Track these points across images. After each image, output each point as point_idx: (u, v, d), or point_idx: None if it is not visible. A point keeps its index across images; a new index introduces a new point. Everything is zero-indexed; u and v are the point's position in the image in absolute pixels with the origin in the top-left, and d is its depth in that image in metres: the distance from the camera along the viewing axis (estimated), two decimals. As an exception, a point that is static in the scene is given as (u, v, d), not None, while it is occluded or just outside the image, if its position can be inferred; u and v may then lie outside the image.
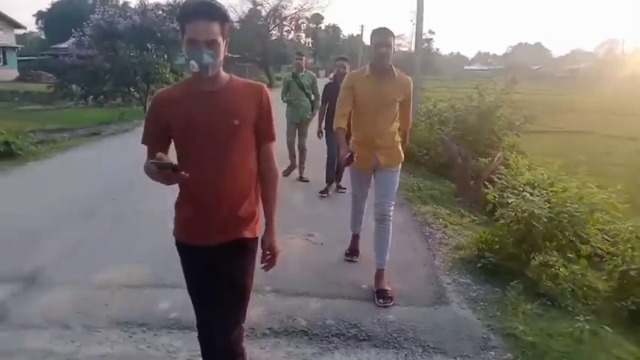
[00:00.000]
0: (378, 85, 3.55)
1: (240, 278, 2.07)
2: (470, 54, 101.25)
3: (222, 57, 1.89)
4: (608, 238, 4.59)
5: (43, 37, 62.37)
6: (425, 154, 8.71)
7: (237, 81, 2.02)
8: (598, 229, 4.39)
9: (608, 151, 13.30)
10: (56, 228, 4.93)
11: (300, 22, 68.86)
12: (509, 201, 4.22)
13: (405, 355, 2.91)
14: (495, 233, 4.28)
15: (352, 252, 4.29)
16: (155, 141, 1.96)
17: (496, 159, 7.01)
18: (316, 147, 7.11)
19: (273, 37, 57.38)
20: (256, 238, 2.09)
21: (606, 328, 3.44)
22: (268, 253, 2.08)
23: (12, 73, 35.32)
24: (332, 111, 5.22)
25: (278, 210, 2.09)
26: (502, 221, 4.22)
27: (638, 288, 4.08)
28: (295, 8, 59.02)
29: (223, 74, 1.97)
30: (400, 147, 3.75)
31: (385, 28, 3.52)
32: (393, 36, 3.52)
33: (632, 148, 14.21)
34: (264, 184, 2.09)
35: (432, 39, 67.90)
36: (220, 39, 1.85)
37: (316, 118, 6.81)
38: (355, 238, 4.30)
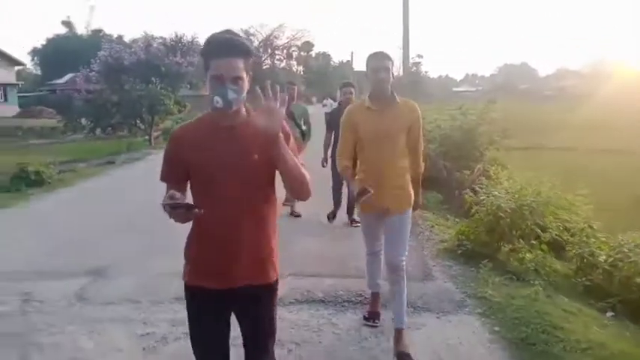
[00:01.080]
0: (380, 116, 3.14)
1: (270, 321, 2.05)
2: (458, 76, 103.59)
3: (245, 92, 1.86)
4: (567, 229, 5.56)
5: (38, 72, 63.61)
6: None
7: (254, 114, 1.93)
8: (559, 222, 5.37)
9: (587, 164, 14.35)
10: (105, 237, 5.88)
11: (291, 50, 71.13)
12: (482, 198, 5.21)
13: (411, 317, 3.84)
14: (471, 225, 5.25)
15: (372, 315, 3.63)
16: (173, 178, 1.94)
17: (476, 170, 8.00)
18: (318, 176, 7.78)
19: (265, 67, 59.09)
20: (277, 279, 2.04)
21: (561, 295, 4.39)
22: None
23: (13, 109, 36.40)
24: (338, 140, 5.55)
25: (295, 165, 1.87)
26: (476, 215, 5.20)
27: (592, 268, 5.03)
28: (287, 38, 60.83)
29: (243, 109, 1.92)
30: (411, 188, 3.28)
31: (382, 52, 3.16)
32: (391, 59, 3.17)
33: (611, 160, 15.29)
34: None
35: (420, 62, 69.79)
36: (244, 74, 1.82)
37: (315, 148, 6.76)
38: (375, 297, 3.71)
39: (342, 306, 3.97)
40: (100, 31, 61.22)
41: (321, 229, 6.31)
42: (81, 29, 63.24)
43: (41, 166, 9.59)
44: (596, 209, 6.14)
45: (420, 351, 3.22)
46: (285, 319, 3.63)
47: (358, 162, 3.31)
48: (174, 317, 3.68)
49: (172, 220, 1.79)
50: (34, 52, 63.11)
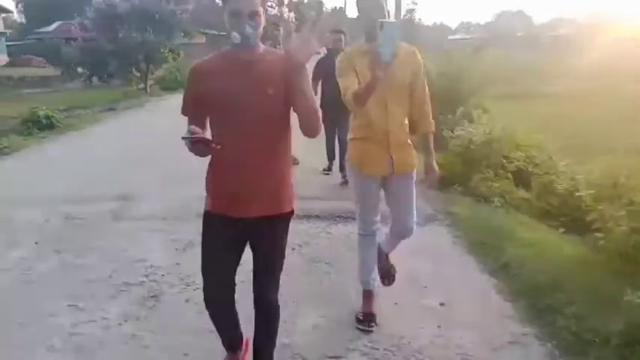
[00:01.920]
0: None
1: (281, 248, 2.20)
2: (453, 24, 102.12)
3: (261, 27, 1.94)
4: (532, 161, 6.38)
5: (22, 20, 62.41)
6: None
7: (270, 51, 2.07)
8: (524, 155, 6.19)
9: (572, 112, 15.08)
10: (124, 170, 6.70)
11: (283, -4, 69.75)
12: (457, 134, 6.00)
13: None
14: (447, 157, 6.06)
15: (367, 317, 3.01)
16: (194, 112, 2.03)
17: (458, 113, 8.74)
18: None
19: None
20: (293, 210, 2.16)
21: (519, 214, 5.25)
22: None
23: (2, 58, 36.22)
24: (327, 89, 5.64)
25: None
26: (452, 149, 6.01)
27: (551, 195, 5.88)
28: (279, -17, 59.65)
29: (259, 45, 2.01)
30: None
31: None
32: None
33: (595, 108, 16.02)
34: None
35: (414, 9, 68.92)
36: (261, 9, 1.91)
37: None
38: (369, 295, 3.11)
39: (335, 220, 4.82)
40: (85, -24, 59.79)
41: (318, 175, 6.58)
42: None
43: (51, 111, 10.21)
44: (565, 148, 6.97)
45: (397, 251, 4.08)
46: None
47: (354, 117, 2.89)
48: (198, 228, 4.47)
49: (188, 153, 1.92)
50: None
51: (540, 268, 3.58)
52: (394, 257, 3.37)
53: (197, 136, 1.79)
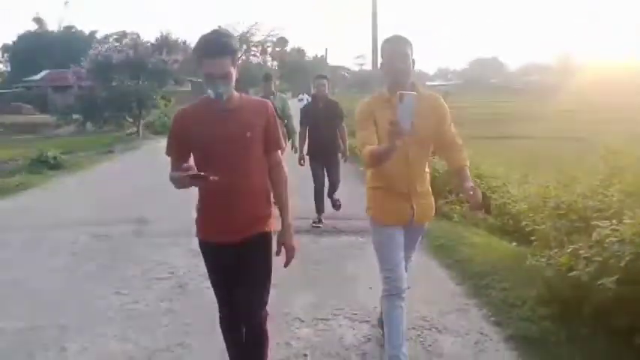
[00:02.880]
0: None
1: (264, 264, 2.44)
2: (431, 70, 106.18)
3: (233, 83, 2.22)
4: (491, 188, 7.50)
5: (7, 69, 63.62)
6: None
7: (247, 99, 2.39)
8: (483, 183, 7.31)
9: (542, 150, 16.35)
10: (136, 199, 7.66)
11: (266, 46, 72.65)
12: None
13: (358, 233, 5.73)
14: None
15: None
16: (178, 152, 2.33)
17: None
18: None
19: (239, 62, 60.44)
20: (271, 231, 2.45)
21: (475, 229, 6.31)
22: (285, 249, 2.42)
23: (-10, 106, 37.08)
24: (315, 136, 5.98)
25: (289, 209, 2.45)
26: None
27: (505, 215, 6.97)
28: (262, 35, 62.23)
29: (235, 94, 2.29)
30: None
31: (399, 36, 2.71)
32: (411, 44, 2.69)
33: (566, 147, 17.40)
34: (275, 187, 2.45)
35: (393, 57, 71.84)
36: (232, 69, 2.19)
37: (294, 143, 6.75)
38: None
39: (321, 234, 5.84)
40: (71, 27, 61.61)
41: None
42: (52, 26, 63.36)
43: (57, 153, 11.19)
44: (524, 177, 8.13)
45: (371, 258, 5.08)
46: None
47: (371, 173, 2.84)
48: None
49: (176, 188, 2.27)
50: (4, 49, 63.25)
51: (483, 261, 4.63)
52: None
53: (196, 172, 2.09)
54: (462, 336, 3.45)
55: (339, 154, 6.27)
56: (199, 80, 2.40)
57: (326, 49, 76.17)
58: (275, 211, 2.47)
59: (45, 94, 39.11)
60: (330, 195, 6.30)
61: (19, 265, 4.97)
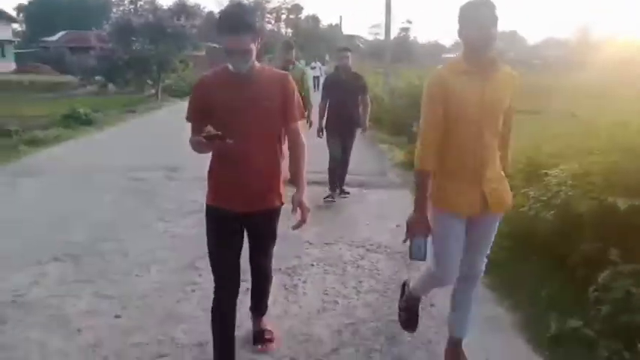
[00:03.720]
0: (482, 86, 2.35)
1: (273, 234, 2.66)
2: (448, 42, 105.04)
3: (254, 57, 2.29)
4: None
5: (23, 29, 64.41)
6: (386, 118, 12.54)
7: (267, 70, 2.44)
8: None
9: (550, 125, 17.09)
10: (162, 150, 8.64)
11: (280, 13, 72.68)
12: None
13: (361, 186, 6.65)
14: (413, 149, 8.05)
15: (409, 318, 2.99)
16: (198, 118, 2.38)
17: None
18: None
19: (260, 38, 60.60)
20: (282, 203, 2.55)
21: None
22: (299, 210, 2.43)
23: (10, 65, 38.16)
24: (335, 107, 5.94)
25: (305, 175, 2.49)
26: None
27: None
28: (278, 2, 62.28)
29: (256, 65, 2.35)
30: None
31: (487, 1, 2.30)
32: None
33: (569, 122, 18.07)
34: (294, 154, 2.50)
35: (408, 28, 71.69)
36: (252, 46, 2.24)
37: (315, 115, 6.43)
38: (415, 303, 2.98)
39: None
40: (86, -13, 62.02)
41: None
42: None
43: (87, 110, 12.17)
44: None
45: (372, 207, 5.99)
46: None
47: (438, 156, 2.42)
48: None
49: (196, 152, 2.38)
50: (19, 9, 63.92)
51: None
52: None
53: (212, 132, 2.17)
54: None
55: (358, 129, 6.18)
56: (215, 45, 2.81)
57: (340, 17, 76.07)
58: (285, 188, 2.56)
59: (62, 55, 40.00)
60: (340, 184, 6.22)
61: (76, 199, 6.00)
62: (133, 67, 19.71)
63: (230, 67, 2.29)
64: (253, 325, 2.97)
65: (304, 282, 3.85)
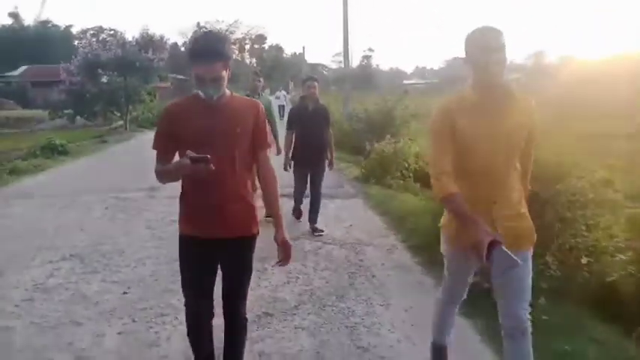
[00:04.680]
0: (494, 116, 2.26)
1: (249, 265, 2.57)
2: (409, 69, 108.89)
3: (225, 83, 2.30)
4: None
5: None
6: (346, 141, 13.73)
7: (237, 97, 2.44)
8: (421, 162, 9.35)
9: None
10: (140, 174, 9.51)
11: (244, 43, 74.37)
12: (375, 146, 9.17)
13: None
14: (369, 164, 9.20)
15: None
16: (165, 147, 2.38)
17: (386, 139, 11.96)
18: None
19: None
20: (258, 231, 2.51)
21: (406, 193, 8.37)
22: (282, 248, 2.43)
23: (-30, 101, 38.04)
24: (301, 140, 5.94)
25: (280, 209, 2.50)
26: (372, 156, 9.16)
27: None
28: (242, 33, 63.84)
29: (226, 92, 2.36)
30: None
31: (494, 28, 2.24)
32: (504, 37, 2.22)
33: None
34: (265, 185, 2.48)
35: (370, 56, 74.37)
36: (223, 73, 2.25)
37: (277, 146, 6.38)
38: (440, 351, 2.84)
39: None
40: (47, 22, 62.71)
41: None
42: (27, 20, 64.06)
43: (63, 141, 12.98)
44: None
45: (330, 212, 7.04)
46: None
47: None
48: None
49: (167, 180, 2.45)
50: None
51: (403, 209, 6.66)
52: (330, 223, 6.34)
53: (202, 155, 2.13)
54: (381, 247, 5.46)
55: (326, 162, 6.11)
56: (180, 77, 3.13)
57: (303, 47, 78.22)
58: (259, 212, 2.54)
59: (25, 89, 40.34)
60: (313, 219, 5.98)
61: (70, 215, 6.87)
62: (101, 100, 20.52)
63: (201, 94, 2.29)
64: None
65: (272, 267, 4.82)
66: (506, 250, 2.10)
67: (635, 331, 3.43)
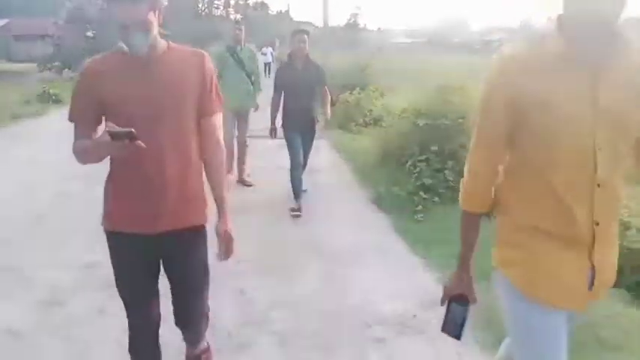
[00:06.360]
0: (596, 82, 1.38)
1: (202, 267, 2.08)
2: (396, 28, 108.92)
3: (155, 32, 1.82)
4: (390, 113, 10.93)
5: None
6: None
7: (176, 48, 1.93)
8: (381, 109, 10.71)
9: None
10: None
11: (229, -2, 73.97)
12: (342, 97, 10.50)
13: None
14: (336, 112, 10.55)
15: None
16: (85, 118, 1.89)
17: (356, 90, 13.28)
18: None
19: (202, 14, 61.96)
20: (205, 224, 2.05)
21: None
22: (224, 241, 2.03)
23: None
24: (291, 103, 5.24)
25: (227, 192, 2.06)
26: (336, 105, 10.51)
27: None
28: (226, -13, 63.55)
29: (160, 41, 1.87)
30: None
31: None
32: None
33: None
34: (210, 164, 2.02)
35: (357, 14, 74.39)
36: (150, 15, 1.77)
37: (263, 104, 6.04)
38: None
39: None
40: (26, -28, 61.61)
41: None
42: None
43: (56, 90, 14.14)
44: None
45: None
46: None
47: (511, 177, 1.56)
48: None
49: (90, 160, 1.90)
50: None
51: (357, 148, 8.08)
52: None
53: (120, 129, 1.65)
54: (334, 175, 6.91)
55: (317, 124, 5.51)
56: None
57: (288, 5, 77.51)
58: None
59: (7, 43, 40.49)
60: (295, 185, 5.33)
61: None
62: (88, 53, 21.41)
63: (124, 48, 1.83)
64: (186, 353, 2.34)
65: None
66: (465, 315, 1.69)
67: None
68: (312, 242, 4.58)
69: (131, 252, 1.98)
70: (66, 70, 22.78)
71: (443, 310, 1.76)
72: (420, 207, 5.24)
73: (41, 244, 4.44)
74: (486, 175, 1.57)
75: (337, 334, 3.10)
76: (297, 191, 5.29)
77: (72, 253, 4.18)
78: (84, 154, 1.89)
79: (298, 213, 5.17)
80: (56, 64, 22.36)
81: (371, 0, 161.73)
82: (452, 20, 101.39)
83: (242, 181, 6.23)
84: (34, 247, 4.36)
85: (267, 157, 7.39)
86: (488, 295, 2.04)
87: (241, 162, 6.25)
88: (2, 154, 8.04)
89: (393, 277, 3.87)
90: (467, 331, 1.74)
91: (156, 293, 2.12)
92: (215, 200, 2.05)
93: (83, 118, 1.92)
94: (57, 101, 13.85)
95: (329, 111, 5.58)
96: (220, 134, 2.05)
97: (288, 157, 5.37)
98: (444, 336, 1.77)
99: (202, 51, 2.01)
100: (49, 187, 6.03)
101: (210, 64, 1.99)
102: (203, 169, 2.04)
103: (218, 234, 2.05)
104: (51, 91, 14.06)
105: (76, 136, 1.92)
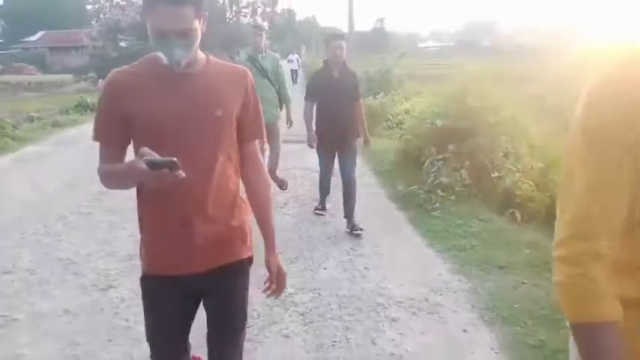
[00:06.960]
0: None
1: (242, 304, 1.87)
2: (424, 32, 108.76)
3: (197, 42, 1.61)
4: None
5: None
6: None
7: (217, 63, 1.73)
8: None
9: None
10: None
11: (256, 6, 74.89)
12: (367, 101, 10.88)
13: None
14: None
15: None
16: (111, 137, 1.68)
17: (381, 94, 13.61)
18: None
19: (231, 22, 63.05)
20: (251, 256, 1.86)
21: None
22: (277, 277, 1.86)
23: (-7, 67, 40.11)
24: (325, 112, 4.95)
25: (274, 224, 1.89)
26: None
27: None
28: (254, -5, 64.50)
29: (200, 56, 1.68)
30: None
31: None
32: None
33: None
34: (254, 195, 1.83)
35: (384, 18, 74.72)
36: (196, 23, 1.56)
37: (296, 115, 5.81)
38: None
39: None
40: (62, -14, 63.80)
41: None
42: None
43: (94, 99, 14.85)
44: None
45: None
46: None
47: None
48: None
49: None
50: (-4, 9, 65.22)
51: (378, 149, 8.39)
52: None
53: (159, 158, 1.44)
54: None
55: (358, 140, 5.22)
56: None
57: (314, 13, 77.86)
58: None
59: (43, 55, 42.23)
60: (348, 213, 5.02)
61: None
62: (122, 63, 22.22)
63: (162, 57, 1.59)
64: None
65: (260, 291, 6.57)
66: None
67: (504, 213, 5.26)
68: (333, 236, 4.96)
69: (169, 294, 1.78)
70: (100, 80, 23.76)
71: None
72: (436, 204, 5.55)
73: (87, 236, 4.90)
74: (609, 250, 0.99)
75: (355, 313, 3.44)
76: (323, 192, 5.48)
77: (116, 246, 4.62)
78: (112, 178, 1.70)
79: (322, 212, 5.47)
80: (91, 74, 23.30)
81: (399, 4, 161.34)
82: (480, 23, 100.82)
83: (277, 182, 5.99)
84: (81, 240, 4.81)
85: (295, 159, 7.76)
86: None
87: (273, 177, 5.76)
88: (48, 157, 8.68)
89: (408, 266, 4.19)
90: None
91: (186, 338, 1.94)
92: (262, 234, 1.87)
93: (109, 137, 1.70)
94: (94, 110, 14.55)
95: (366, 127, 5.30)
96: (261, 161, 1.90)
97: (318, 164, 5.36)
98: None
99: (245, 68, 1.82)
100: (93, 185, 6.53)
101: (253, 84, 1.79)
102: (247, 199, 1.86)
103: (270, 270, 1.87)
104: (88, 100, 14.74)
105: (102, 158, 1.72)
